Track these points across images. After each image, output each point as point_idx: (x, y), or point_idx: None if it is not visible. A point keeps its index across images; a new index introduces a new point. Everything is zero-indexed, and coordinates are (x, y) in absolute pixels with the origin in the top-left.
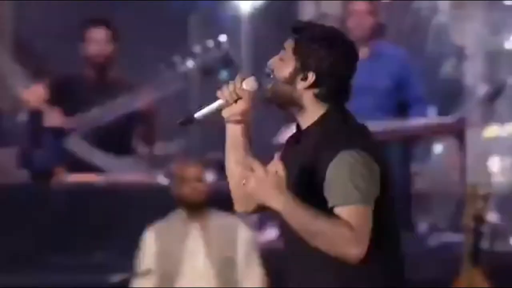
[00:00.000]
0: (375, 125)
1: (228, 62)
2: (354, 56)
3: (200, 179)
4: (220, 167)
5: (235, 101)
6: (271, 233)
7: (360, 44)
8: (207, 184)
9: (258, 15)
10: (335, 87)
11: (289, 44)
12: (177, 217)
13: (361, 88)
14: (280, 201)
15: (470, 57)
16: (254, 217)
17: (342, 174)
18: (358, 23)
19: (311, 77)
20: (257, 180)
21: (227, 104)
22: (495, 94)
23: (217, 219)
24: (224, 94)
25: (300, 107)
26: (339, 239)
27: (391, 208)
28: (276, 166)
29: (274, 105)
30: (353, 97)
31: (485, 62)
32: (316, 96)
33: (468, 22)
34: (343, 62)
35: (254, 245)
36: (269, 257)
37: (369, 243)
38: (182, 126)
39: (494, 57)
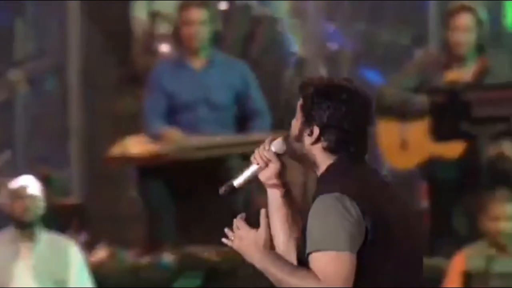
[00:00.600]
0: (212, 140)
1: (55, 70)
2: (362, 106)
3: (31, 196)
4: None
5: (266, 164)
6: (101, 253)
7: (194, 55)
8: (37, 202)
9: (87, 17)
10: (341, 138)
11: (299, 102)
12: (6, 236)
13: (196, 101)
14: (255, 258)
15: (310, 66)
16: (84, 237)
17: (313, 219)
18: (191, 32)
19: (316, 131)
20: (238, 238)
21: (260, 168)
22: None
23: (48, 240)
24: (257, 158)
25: (313, 162)
26: None
27: (390, 258)
28: (262, 226)
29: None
30: (188, 111)
31: (326, 73)
32: (324, 149)
33: (307, 31)
34: (347, 113)
35: (85, 265)
36: (100, 277)
37: None
38: (225, 195)
39: (335, 65)
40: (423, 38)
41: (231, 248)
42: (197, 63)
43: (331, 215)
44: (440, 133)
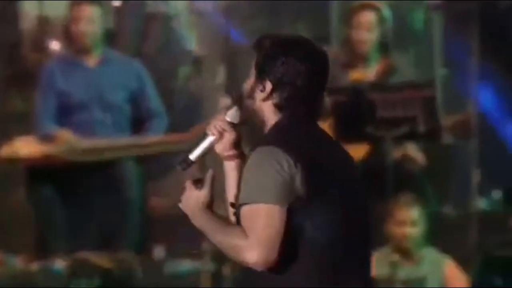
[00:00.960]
0: (104, 142)
1: None
2: (318, 65)
3: None
4: None
5: (221, 135)
6: None
7: (86, 53)
8: None
9: None
10: (292, 96)
11: (253, 58)
12: None
13: (90, 100)
14: (194, 217)
15: (207, 64)
16: None
17: (246, 171)
18: (82, 29)
19: (268, 86)
20: (184, 199)
21: (216, 140)
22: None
23: None
24: (212, 129)
25: (263, 120)
26: (235, 249)
27: (327, 214)
28: (206, 184)
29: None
30: (81, 111)
31: (225, 71)
32: (275, 106)
33: (204, 28)
34: (302, 70)
35: None
36: None
37: (286, 250)
38: (184, 170)
39: (234, 63)
40: (325, 37)
41: (124, 253)
42: (90, 61)
43: (262, 167)
44: (343, 134)
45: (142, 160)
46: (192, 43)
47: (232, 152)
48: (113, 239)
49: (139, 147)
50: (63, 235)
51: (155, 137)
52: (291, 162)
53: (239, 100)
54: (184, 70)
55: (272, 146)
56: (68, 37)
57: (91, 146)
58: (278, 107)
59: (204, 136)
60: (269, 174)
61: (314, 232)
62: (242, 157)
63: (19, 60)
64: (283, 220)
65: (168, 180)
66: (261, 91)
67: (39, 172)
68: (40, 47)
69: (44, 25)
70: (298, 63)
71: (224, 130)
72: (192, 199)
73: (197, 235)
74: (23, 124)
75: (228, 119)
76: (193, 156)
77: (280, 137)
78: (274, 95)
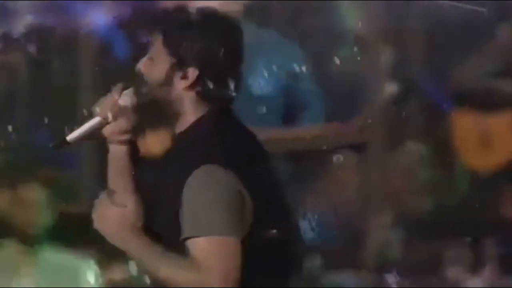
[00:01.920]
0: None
1: None
2: (237, 40)
3: None
4: None
5: (115, 118)
6: None
7: None
8: None
9: None
10: (221, 82)
11: (156, 38)
12: None
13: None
14: (121, 239)
15: (371, 47)
16: None
17: (193, 197)
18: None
19: (193, 73)
20: (99, 217)
21: (106, 122)
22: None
23: None
24: (101, 111)
25: (179, 112)
26: (188, 283)
27: (273, 245)
28: (125, 199)
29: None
30: None
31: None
32: (199, 95)
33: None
34: (224, 50)
35: None
36: None
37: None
38: (56, 150)
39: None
40: None
41: None
42: None
43: (212, 193)
44: None
45: (295, 156)
46: (354, 21)
47: (124, 136)
48: None
49: (291, 140)
50: None
51: (309, 129)
52: (241, 187)
53: (140, 83)
54: (344, 51)
55: (216, 165)
56: None
57: None
58: (203, 97)
59: (90, 116)
60: (221, 202)
61: (264, 267)
62: (133, 144)
63: None
64: (239, 251)
65: (324, 180)
66: (182, 78)
67: None
68: None
69: None
70: (218, 41)
71: (118, 113)
72: (115, 218)
73: None
74: None
75: (124, 102)
76: (71, 137)
77: (220, 149)
78: (200, 83)
